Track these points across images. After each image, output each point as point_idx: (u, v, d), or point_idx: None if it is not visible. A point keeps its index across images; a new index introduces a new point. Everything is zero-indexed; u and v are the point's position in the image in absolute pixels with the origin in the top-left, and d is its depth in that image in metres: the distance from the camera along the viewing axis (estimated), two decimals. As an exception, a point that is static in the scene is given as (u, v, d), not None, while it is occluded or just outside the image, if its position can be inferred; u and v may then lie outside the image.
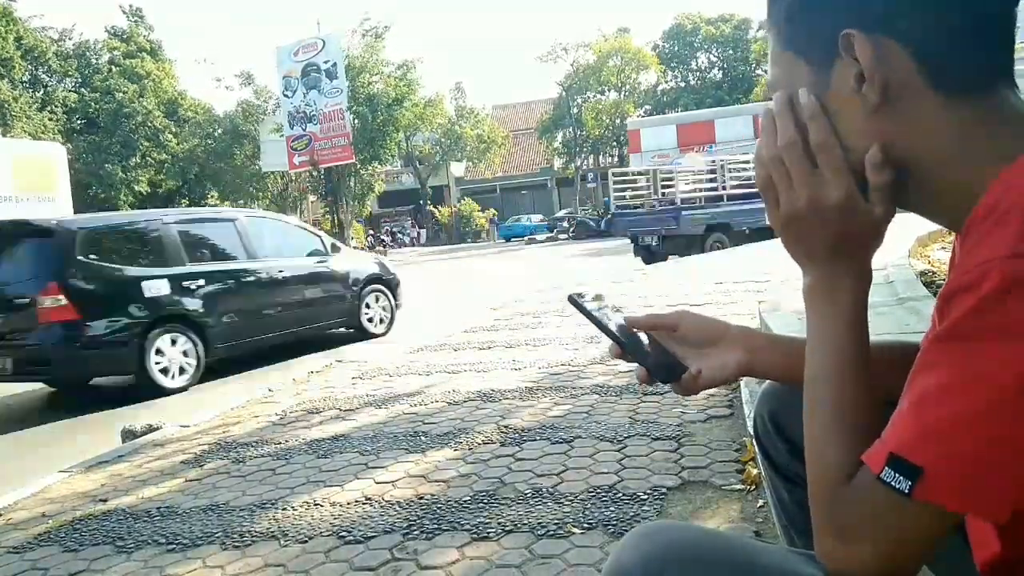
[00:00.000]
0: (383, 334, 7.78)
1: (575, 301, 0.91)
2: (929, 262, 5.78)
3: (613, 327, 0.88)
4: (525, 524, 2.17)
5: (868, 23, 0.62)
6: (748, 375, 0.90)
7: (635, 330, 0.90)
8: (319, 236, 7.90)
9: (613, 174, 15.60)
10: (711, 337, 0.90)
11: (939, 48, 0.61)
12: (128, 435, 3.98)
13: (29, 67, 32.60)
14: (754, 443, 1.72)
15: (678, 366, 0.88)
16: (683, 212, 13.72)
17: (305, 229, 8.19)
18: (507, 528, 2.16)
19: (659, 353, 0.88)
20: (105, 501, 2.84)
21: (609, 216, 26.83)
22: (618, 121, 36.18)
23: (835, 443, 0.66)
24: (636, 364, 0.88)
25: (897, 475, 0.56)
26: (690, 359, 0.89)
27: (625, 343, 0.87)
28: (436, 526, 2.23)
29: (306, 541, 2.24)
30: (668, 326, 0.92)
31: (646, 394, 3.41)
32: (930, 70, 0.61)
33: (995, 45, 0.62)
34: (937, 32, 0.61)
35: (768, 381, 1.02)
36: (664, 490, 2.33)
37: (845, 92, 0.64)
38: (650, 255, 13.55)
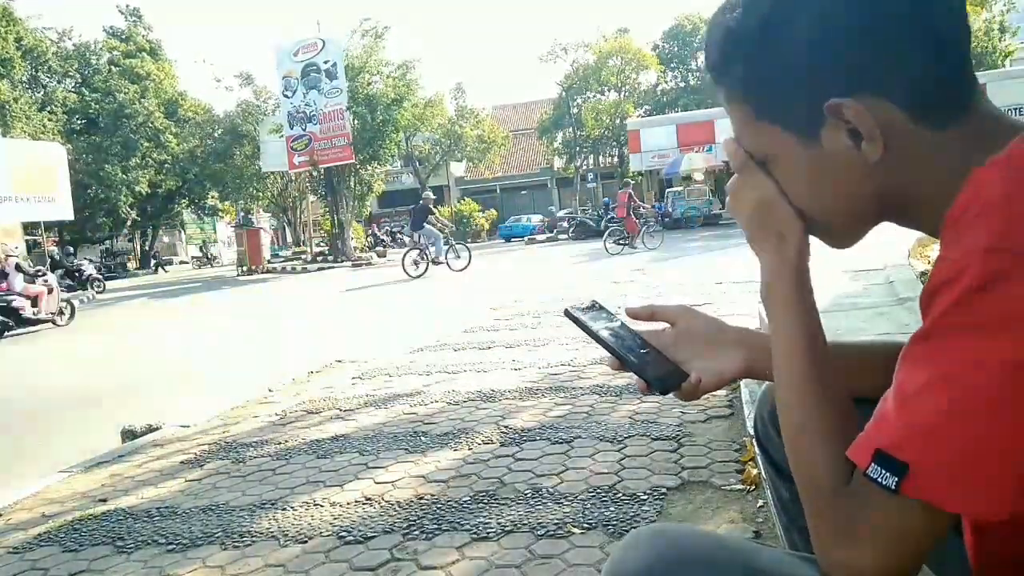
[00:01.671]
0: None
1: (572, 315, 0.90)
2: (929, 262, 5.78)
3: (611, 340, 0.87)
4: (525, 524, 2.17)
5: (849, 88, 0.62)
6: (748, 377, 0.90)
7: (635, 338, 0.89)
8: None
9: None
10: (710, 337, 0.89)
11: (920, 89, 0.62)
12: (128, 435, 3.98)
13: (29, 67, 32.57)
14: (754, 443, 1.72)
15: (678, 374, 0.86)
16: None
17: None
18: (507, 528, 2.16)
19: (658, 361, 0.87)
20: (105, 501, 2.84)
21: (610, 216, 26.92)
22: (618, 121, 36.15)
23: (820, 446, 0.66)
24: (635, 375, 0.87)
25: (883, 471, 0.57)
26: (689, 362, 0.88)
27: (623, 356, 0.86)
28: (436, 526, 2.23)
29: (306, 541, 2.24)
30: (667, 319, 0.92)
31: (646, 394, 3.41)
32: (916, 111, 0.62)
33: (961, 62, 0.63)
34: (914, 76, 0.62)
35: (768, 382, 1.02)
36: (664, 490, 2.33)
37: (837, 150, 0.65)
38: None
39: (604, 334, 0.87)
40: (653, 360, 0.87)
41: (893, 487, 0.56)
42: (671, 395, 0.87)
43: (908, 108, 0.62)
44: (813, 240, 0.74)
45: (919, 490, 0.55)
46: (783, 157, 0.69)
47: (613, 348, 0.86)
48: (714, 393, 3.27)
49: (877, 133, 0.62)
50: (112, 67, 35.13)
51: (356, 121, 26.00)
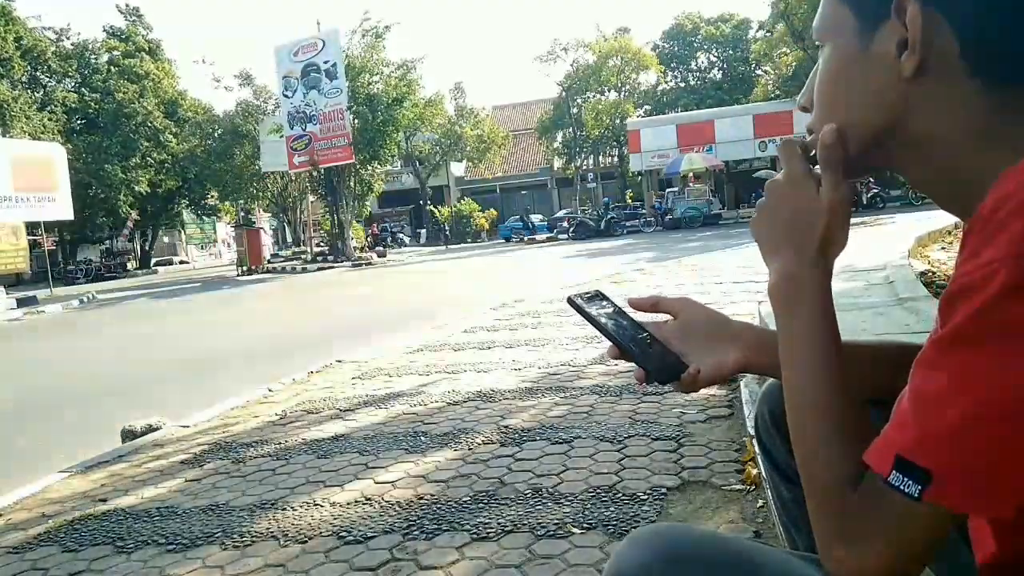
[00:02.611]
0: None
1: (574, 303, 0.91)
2: (929, 262, 5.79)
3: (612, 328, 0.87)
4: (525, 524, 2.17)
5: None
6: (747, 371, 0.90)
7: (636, 328, 0.90)
8: None
9: None
10: (712, 330, 0.89)
11: (988, 34, 0.59)
12: (128, 435, 3.97)
13: (28, 67, 32.56)
14: (754, 442, 1.72)
15: (678, 365, 0.87)
16: None
17: None
18: (507, 528, 2.16)
19: (659, 352, 0.88)
20: (105, 501, 2.84)
21: (610, 216, 26.90)
22: (618, 121, 36.13)
23: (830, 446, 0.65)
24: (634, 364, 0.87)
25: (906, 479, 0.55)
26: (689, 354, 0.88)
27: (623, 344, 0.86)
28: (436, 526, 2.23)
29: (306, 541, 2.24)
30: (669, 310, 0.91)
31: (646, 394, 3.41)
32: (974, 55, 0.59)
33: None
34: (990, 17, 0.58)
35: (769, 379, 1.02)
36: (664, 490, 2.33)
37: (884, 54, 0.63)
38: None
39: (605, 322, 0.88)
40: (653, 350, 0.87)
41: (916, 495, 0.55)
42: (670, 386, 0.87)
43: (966, 44, 0.59)
44: None
45: (941, 496, 0.54)
46: (835, 44, 0.68)
47: (614, 336, 0.87)
48: (714, 393, 3.27)
49: (919, 49, 0.60)
50: (111, 67, 35.10)
51: (356, 121, 25.98)
